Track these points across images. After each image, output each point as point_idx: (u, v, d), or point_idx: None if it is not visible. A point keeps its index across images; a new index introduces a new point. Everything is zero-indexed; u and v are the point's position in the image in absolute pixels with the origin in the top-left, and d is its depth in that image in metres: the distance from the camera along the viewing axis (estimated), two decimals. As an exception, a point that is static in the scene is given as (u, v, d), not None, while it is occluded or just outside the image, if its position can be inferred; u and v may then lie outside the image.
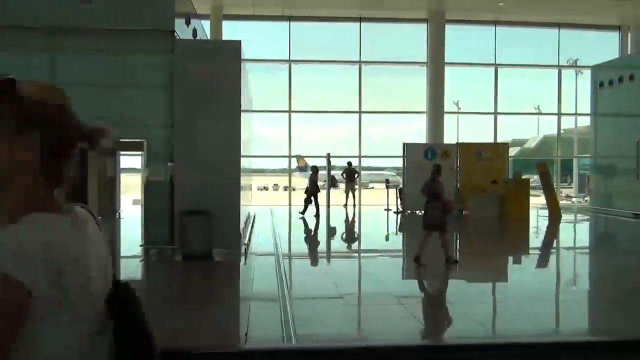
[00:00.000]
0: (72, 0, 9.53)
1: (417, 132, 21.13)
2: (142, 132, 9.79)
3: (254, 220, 14.41)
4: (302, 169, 28.95)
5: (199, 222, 9.19)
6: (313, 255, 11.27)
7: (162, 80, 9.59)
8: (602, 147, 18.14)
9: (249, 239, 11.11)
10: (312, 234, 14.18)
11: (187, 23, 10.92)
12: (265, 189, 36.25)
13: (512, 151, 29.36)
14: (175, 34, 9.66)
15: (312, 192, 16.15)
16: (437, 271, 8.37)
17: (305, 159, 23.11)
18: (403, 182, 17.92)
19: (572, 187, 25.44)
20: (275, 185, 42.71)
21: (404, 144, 17.83)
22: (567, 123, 22.67)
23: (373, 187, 27.93)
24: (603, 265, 9.93)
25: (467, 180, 17.33)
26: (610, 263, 9.98)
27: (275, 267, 8.68)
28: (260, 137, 19.87)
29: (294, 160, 21.52)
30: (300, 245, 12.50)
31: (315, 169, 16.81)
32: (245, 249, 9.94)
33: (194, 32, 11.76)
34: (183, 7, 10.97)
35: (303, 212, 16.18)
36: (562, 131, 22.39)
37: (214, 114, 9.51)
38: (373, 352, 4.81)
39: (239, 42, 9.71)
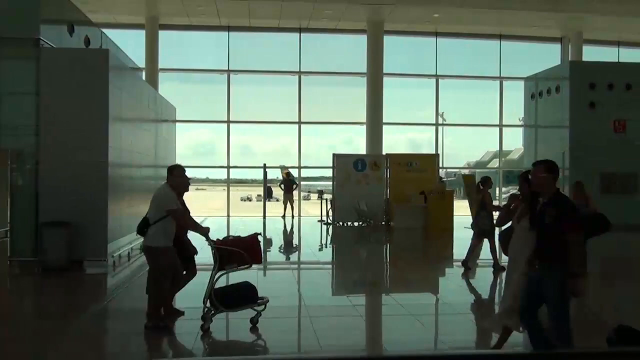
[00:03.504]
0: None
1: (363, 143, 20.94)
2: (8, 140, 9.66)
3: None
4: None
5: (59, 233, 9.06)
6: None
7: (29, 89, 9.47)
8: (533, 159, 17.99)
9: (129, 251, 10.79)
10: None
11: (71, 31, 10.81)
12: (249, 199, 36.14)
13: (495, 162, 29.31)
14: (43, 42, 9.54)
15: None
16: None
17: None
18: (333, 193, 17.73)
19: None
20: (259, 195, 42.54)
21: (334, 155, 17.66)
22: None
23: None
24: (485, 278, 9.80)
25: (397, 191, 17.17)
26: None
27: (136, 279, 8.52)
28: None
29: (232, 170, 21.28)
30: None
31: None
32: (115, 261, 9.80)
33: (87, 40, 11.65)
34: (65, 15, 10.88)
35: None
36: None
37: (80, 122, 9.42)
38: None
39: (107, 50, 9.65)
